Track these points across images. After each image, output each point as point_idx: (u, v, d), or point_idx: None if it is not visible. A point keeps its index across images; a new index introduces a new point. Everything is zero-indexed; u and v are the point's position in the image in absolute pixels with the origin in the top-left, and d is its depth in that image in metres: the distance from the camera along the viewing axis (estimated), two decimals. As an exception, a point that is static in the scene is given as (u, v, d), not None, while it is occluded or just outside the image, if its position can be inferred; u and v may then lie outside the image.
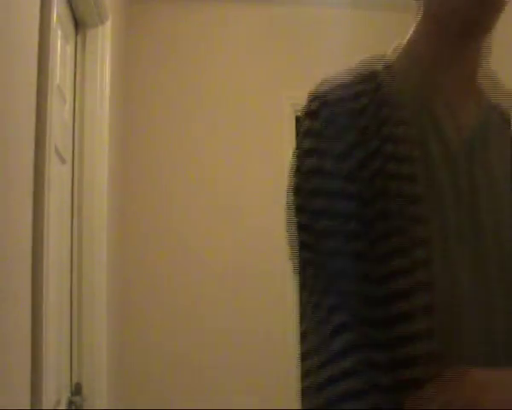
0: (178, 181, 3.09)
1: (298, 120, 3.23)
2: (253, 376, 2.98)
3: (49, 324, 1.30)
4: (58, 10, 1.40)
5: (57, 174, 1.66)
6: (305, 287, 0.76)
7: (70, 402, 1.78)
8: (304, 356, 0.74)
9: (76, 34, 2.01)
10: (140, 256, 3.01)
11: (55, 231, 1.62)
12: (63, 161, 1.81)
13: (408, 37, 0.82)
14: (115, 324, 2.50)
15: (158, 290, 2.99)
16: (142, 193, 3.05)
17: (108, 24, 2.12)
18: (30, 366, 1.17)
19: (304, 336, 0.75)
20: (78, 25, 2.02)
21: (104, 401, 2.02)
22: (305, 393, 0.72)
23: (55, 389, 1.60)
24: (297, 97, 3.23)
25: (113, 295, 2.35)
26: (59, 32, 1.61)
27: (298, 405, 0.74)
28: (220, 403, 2.87)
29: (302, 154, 0.77)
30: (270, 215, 3.12)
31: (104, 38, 2.10)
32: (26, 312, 1.16)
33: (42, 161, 1.24)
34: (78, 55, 2.03)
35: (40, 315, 1.22)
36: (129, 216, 2.98)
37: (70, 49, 1.91)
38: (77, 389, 1.89)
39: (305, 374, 0.73)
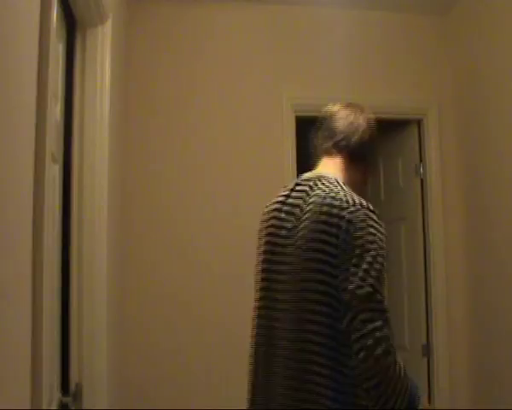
0: (178, 181, 3.09)
1: (298, 119, 3.24)
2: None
3: (48, 324, 1.30)
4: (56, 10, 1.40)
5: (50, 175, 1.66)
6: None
7: (61, 403, 1.77)
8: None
9: (75, 34, 2.01)
10: (140, 257, 3.01)
11: (51, 230, 1.62)
12: (55, 160, 1.81)
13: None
14: (115, 324, 2.50)
15: (158, 291, 2.99)
16: (141, 193, 3.05)
17: (108, 24, 2.12)
18: (30, 366, 1.17)
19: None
20: (78, 24, 2.01)
21: (104, 401, 2.02)
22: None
23: (48, 389, 1.59)
24: (297, 97, 3.23)
25: (113, 295, 2.35)
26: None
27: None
28: (221, 404, 2.87)
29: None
30: (270, 215, 3.12)
31: (104, 38, 2.10)
32: (26, 311, 1.16)
33: (42, 162, 1.24)
34: (78, 55, 2.03)
35: (40, 315, 1.22)
36: (128, 217, 2.98)
37: (62, 47, 1.90)
38: (77, 389, 1.89)
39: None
